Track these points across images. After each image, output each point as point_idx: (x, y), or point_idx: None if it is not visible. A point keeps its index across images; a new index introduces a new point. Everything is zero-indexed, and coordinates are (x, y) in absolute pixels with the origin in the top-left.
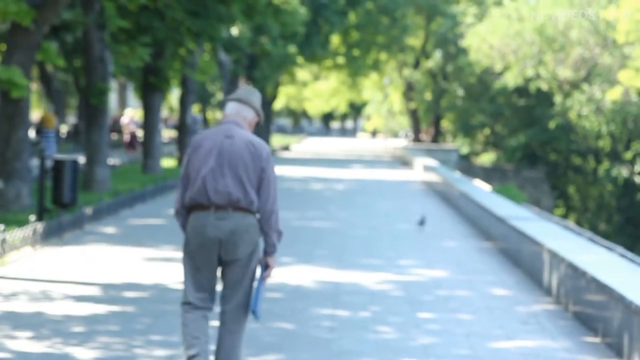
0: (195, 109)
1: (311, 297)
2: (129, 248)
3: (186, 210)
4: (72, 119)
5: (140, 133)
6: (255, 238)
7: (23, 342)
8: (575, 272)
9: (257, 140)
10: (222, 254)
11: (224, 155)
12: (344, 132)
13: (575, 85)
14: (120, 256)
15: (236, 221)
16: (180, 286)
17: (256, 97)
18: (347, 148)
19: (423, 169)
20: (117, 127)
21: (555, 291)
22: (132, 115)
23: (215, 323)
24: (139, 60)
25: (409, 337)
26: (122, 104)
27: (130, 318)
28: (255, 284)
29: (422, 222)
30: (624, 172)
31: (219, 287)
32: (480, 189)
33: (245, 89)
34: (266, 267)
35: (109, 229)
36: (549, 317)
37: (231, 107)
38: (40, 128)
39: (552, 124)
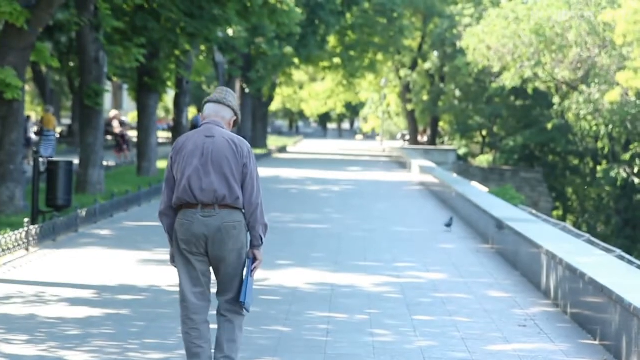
0: (193, 111)
1: (307, 300)
2: (124, 251)
3: (173, 211)
4: (66, 120)
5: (132, 134)
6: (242, 233)
7: (17, 345)
8: (573, 274)
9: (237, 137)
10: (210, 250)
11: (206, 154)
12: (340, 134)
13: (573, 86)
14: (115, 259)
15: (223, 218)
16: (175, 289)
17: (233, 97)
18: (344, 149)
19: (420, 171)
20: (109, 130)
21: (553, 293)
22: (117, 115)
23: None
24: (134, 61)
25: (406, 340)
26: (117, 106)
27: (125, 321)
28: (244, 276)
29: (449, 224)
30: (622, 173)
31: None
32: (478, 190)
33: (222, 90)
34: (254, 260)
35: (104, 232)
36: (547, 319)
37: (210, 108)
38: (41, 129)
39: (550, 125)
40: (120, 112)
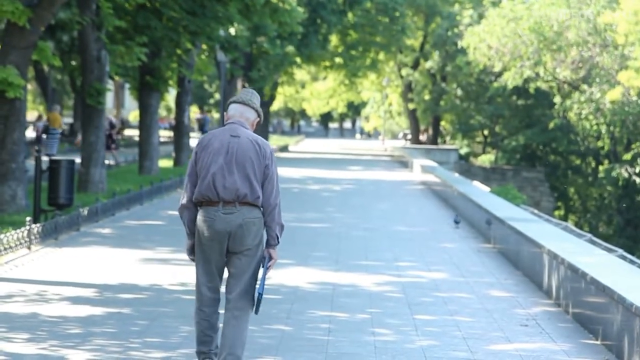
0: (195, 110)
1: (308, 299)
2: (125, 249)
3: (194, 206)
4: (68, 119)
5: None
6: (261, 230)
7: (18, 344)
8: (575, 273)
9: (261, 139)
10: (230, 245)
11: (231, 153)
12: (342, 133)
13: (574, 85)
14: (117, 257)
15: (243, 215)
16: (176, 288)
17: (257, 99)
18: (345, 148)
19: (421, 170)
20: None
21: (555, 293)
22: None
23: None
24: (136, 60)
25: (407, 339)
26: (119, 105)
27: (127, 320)
28: (260, 273)
29: (457, 221)
30: (624, 173)
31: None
32: (479, 190)
33: (247, 91)
34: (270, 258)
35: (105, 230)
36: (548, 319)
37: (234, 108)
38: (47, 127)
39: (551, 125)
40: (121, 110)
